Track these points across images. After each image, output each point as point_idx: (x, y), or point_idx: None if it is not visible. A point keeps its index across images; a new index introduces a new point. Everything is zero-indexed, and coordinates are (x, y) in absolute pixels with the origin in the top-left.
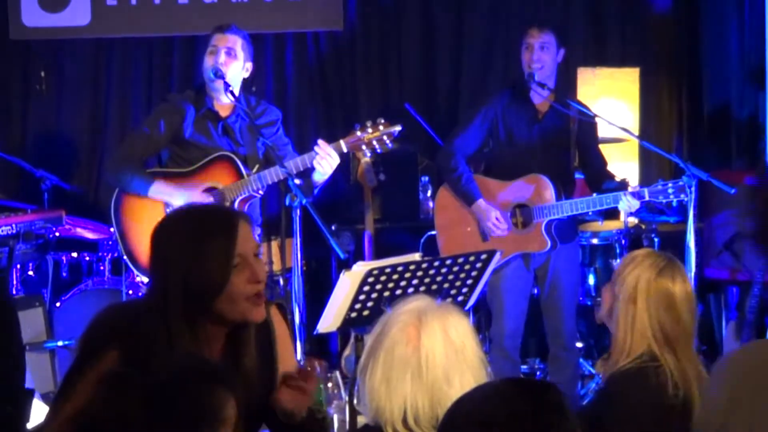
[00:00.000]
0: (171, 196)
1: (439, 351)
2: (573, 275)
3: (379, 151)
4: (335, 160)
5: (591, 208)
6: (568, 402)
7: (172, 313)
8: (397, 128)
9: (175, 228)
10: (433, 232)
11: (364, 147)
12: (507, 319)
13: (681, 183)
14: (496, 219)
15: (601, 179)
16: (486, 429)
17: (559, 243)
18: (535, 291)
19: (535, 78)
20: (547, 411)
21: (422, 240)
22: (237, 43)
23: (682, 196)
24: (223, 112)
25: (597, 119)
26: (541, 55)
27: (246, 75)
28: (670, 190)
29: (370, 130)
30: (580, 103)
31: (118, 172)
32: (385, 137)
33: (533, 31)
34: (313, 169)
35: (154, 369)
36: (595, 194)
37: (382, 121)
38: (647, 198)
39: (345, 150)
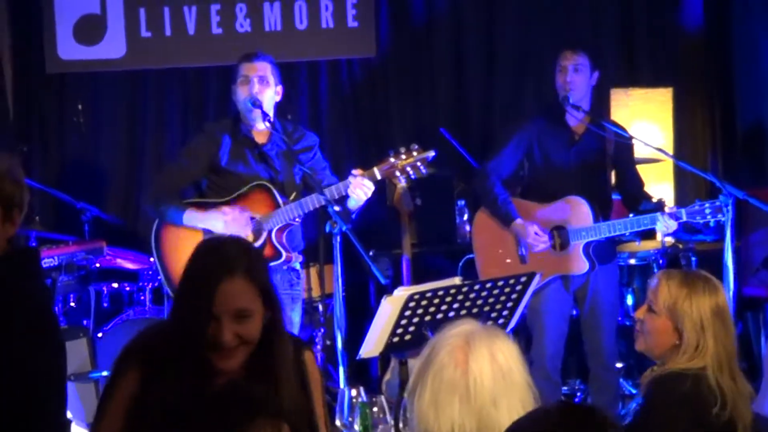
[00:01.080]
0: (205, 222)
1: (487, 375)
2: (612, 295)
3: (413, 177)
4: (370, 188)
5: (628, 229)
6: (615, 424)
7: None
8: (431, 153)
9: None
10: (471, 256)
11: (398, 173)
12: (548, 341)
13: (718, 203)
14: (536, 234)
15: (638, 200)
16: None
17: (598, 264)
18: (575, 312)
19: (570, 100)
20: None
21: (461, 264)
22: (267, 69)
23: (720, 216)
24: (260, 139)
25: (633, 140)
26: (575, 77)
27: (278, 99)
28: (707, 210)
29: (404, 156)
30: (615, 124)
31: (155, 203)
32: (419, 163)
33: (567, 53)
34: (348, 196)
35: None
36: (632, 215)
37: (416, 147)
38: (685, 219)
39: (379, 177)
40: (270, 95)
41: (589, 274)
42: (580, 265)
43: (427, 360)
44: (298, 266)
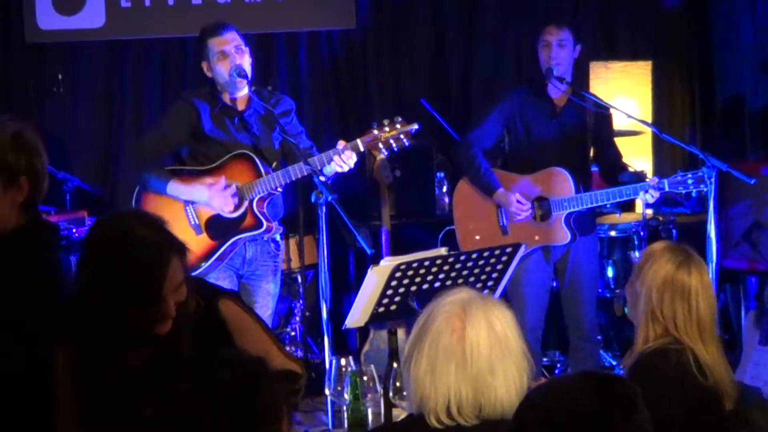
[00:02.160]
0: (188, 193)
1: (483, 341)
2: (592, 267)
3: (396, 149)
4: (353, 160)
5: (611, 200)
6: (639, 395)
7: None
8: (414, 126)
9: (108, 251)
10: (451, 227)
11: (381, 146)
12: (528, 312)
13: (700, 173)
14: (518, 202)
15: (616, 171)
16: (556, 424)
17: (579, 235)
18: (554, 284)
19: (554, 72)
20: (617, 405)
21: (440, 236)
22: (237, 37)
23: (702, 186)
24: (240, 106)
25: (614, 112)
26: (559, 52)
27: (250, 61)
28: (689, 181)
29: (387, 129)
30: (596, 97)
31: (137, 171)
32: (402, 135)
33: (551, 28)
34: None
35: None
36: (614, 186)
37: (399, 119)
38: (667, 189)
39: (362, 149)
40: (248, 61)
41: (570, 245)
42: (562, 235)
43: (423, 327)
44: (278, 237)
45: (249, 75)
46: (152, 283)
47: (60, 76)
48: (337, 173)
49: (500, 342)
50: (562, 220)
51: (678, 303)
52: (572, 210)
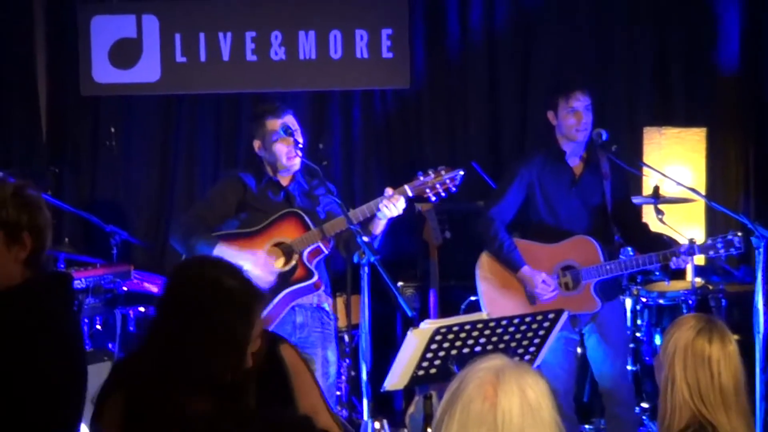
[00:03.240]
0: (234, 259)
1: (516, 410)
2: (620, 331)
3: (444, 195)
4: (402, 205)
5: (641, 266)
6: None
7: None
8: (460, 172)
9: (196, 301)
10: (475, 298)
11: (428, 191)
12: (559, 379)
13: (729, 237)
14: (543, 282)
15: (638, 233)
16: None
17: (605, 301)
18: (581, 350)
19: (579, 138)
20: None
21: (463, 306)
22: (292, 119)
23: (732, 250)
24: (284, 182)
25: (667, 179)
26: (587, 117)
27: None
28: (719, 245)
29: (432, 176)
30: (616, 156)
31: (184, 236)
32: (448, 181)
33: (578, 94)
34: (376, 216)
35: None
36: (650, 253)
37: (443, 167)
38: (698, 253)
39: (410, 194)
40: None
41: (596, 312)
42: (592, 304)
43: (455, 393)
44: (327, 307)
45: (305, 155)
46: (238, 334)
47: (113, 130)
48: (384, 232)
49: (533, 410)
50: (591, 289)
51: (700, 371)
52: (602, 278)
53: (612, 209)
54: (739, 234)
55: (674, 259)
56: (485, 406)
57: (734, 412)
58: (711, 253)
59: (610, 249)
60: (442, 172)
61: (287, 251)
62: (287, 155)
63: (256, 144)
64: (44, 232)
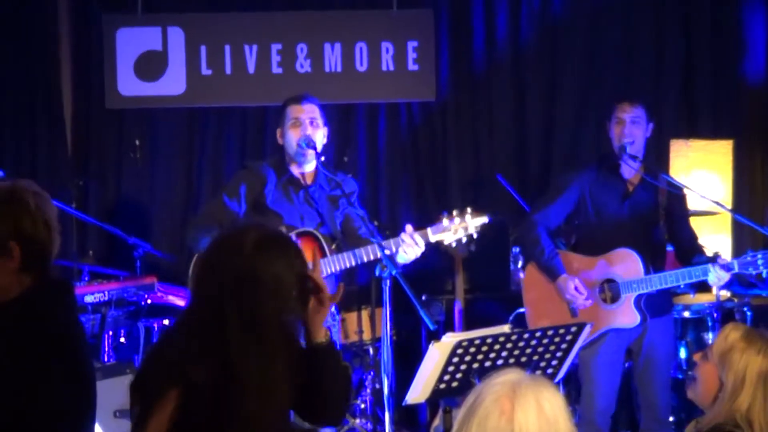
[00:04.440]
0: None
1: (532, 424)
2: (668, 348)
3: (465, 241)
4: (421, 249)
5: (680, 281)
6: None
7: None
8: (485, 220)
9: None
10: (522, 310)
11: (449, 237)
12: (599, 396)
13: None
14: (575, 289)
15: (691, 253)
16: None
17: (653, 316)
18: (627, 365)
19: (627, 150)
20: None
21: (511, 317)
22: (316, 111)
23: None
24: (306, 180)
25: (688, 191)
26: (632, 129)
27: (325, 141)
28: (759, 261)
29: (457, 221)
30: (669, 176)
31: (197, 236)
32: (472, 229)
33: (625, 105)
34: (397, 252)
35: None
36: (684, 267)
37: (470, 210)
38: (737, 270)
39: (432, 240)
40: (320, 136)
41: (645, 327)
42: (631, 318)
43: (472, 408)
44: (332, 308)
45: (318, 149)
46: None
47: (137, 142)
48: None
49: (549, 424)
50: (631, 302)
51: (762, 397)
52: (641, 292)
53: (666, 225)
54: None
55: (711, 275)
56: (501, 421)
57: None
58: (751, 269)
59: (660, 264)
60: (467, 217)
61: None
62: (297, 141)
63: (278, 133)
64: (36, 239)
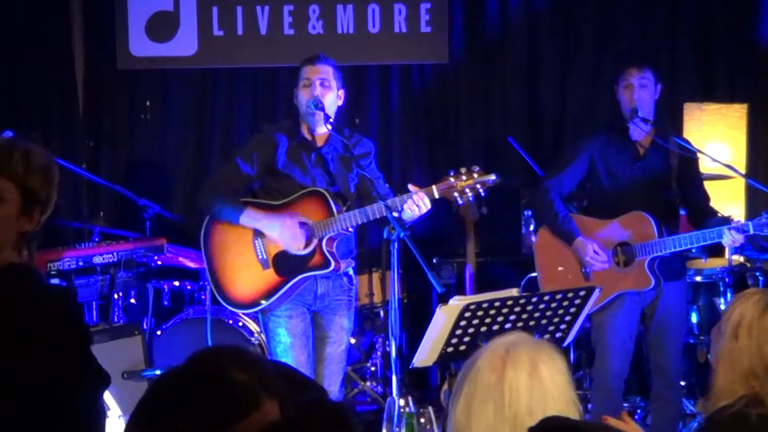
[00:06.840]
0: (261, 224)
1: (523, 384)
2: (681, 313)
3: (471, 199)
4: (426, 206)
5: (694, 243)
6: None
7: None
8: (492, 177)
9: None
10: (534, 274)
11: (456, 194)
12: (613, 359)
13: None
14: (594, 252)
15: (703, 216)
16: None
17: (667, 280)
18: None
19: (639, 113)
20: None
21: (523, 282)
22: (329, 72)
23: None
24: (318, 142)
25: (702, 155)
26: (641, 93)
27: (340, 103)
28: None
29: (464, 178)
30: (681, 138)
31: (211, 199)
32: (478, 185)
33: (632, 69)
34: (402, 210)
35: None
36: (698, 230)
37: (477, 168)
38: (752, 231)
39: (437, 196)
40: (332, 98)
41: (659, 291)
42: (645, 281)
43: (467, 366)
44: (351, 271)
45: (328, 111)
46: None
47: (148, 104)
48: (419, 218)
49: (543, 386)
50: (645, 266)
51: (765, 346)
52: (655, 255)
53: (679, 188)
54: None
55: (725, 237)
56: (492, 377)
57: None
58: (766, 230)
59: (673, 227)
60: (474, 175)
61: (308, 233)
62: (306, 102)
63: (294, 93)
64: (47, 213)
